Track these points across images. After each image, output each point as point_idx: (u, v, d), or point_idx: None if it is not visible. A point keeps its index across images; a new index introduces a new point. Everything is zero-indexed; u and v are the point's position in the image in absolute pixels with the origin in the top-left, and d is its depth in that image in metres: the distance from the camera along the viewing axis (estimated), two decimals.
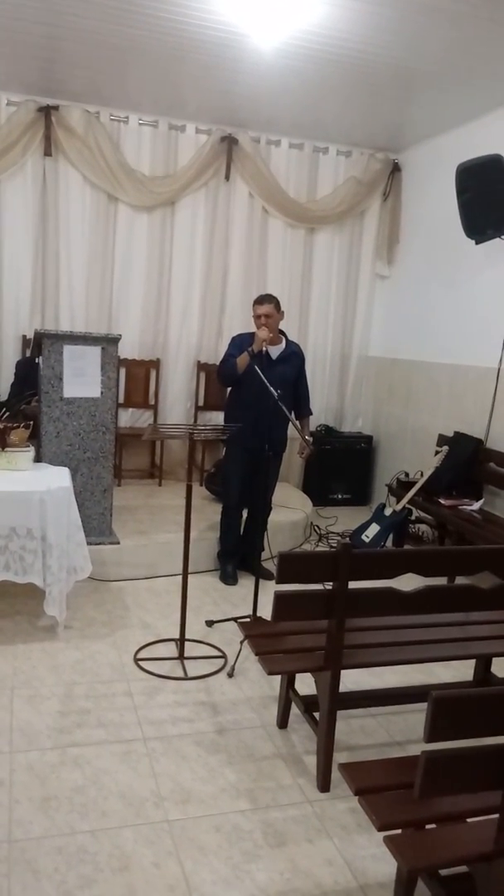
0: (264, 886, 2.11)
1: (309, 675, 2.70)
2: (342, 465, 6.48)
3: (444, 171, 5.02)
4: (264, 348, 4.16)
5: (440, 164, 5.52)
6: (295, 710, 2.92)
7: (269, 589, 2.64)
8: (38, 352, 4.28)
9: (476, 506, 4.83)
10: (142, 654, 3.47)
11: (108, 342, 4.25)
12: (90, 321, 5.86)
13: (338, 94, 5.02)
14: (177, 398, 6.21)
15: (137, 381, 6.02)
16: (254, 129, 5.94)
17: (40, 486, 3.49)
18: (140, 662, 3.39)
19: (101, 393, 4.25)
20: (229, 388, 4.51)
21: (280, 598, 2.42)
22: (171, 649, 3.54)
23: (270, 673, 2.69)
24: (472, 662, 3.21)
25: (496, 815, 1.74)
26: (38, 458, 4.09)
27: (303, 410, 4.53)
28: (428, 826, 1.86)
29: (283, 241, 6.27)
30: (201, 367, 6.17)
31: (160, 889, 2.07)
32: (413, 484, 5.14)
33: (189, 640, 3.56)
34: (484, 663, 3.15)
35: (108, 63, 4.73)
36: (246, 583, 4.41)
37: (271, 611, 2.44)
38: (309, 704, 2.78)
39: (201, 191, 5.98)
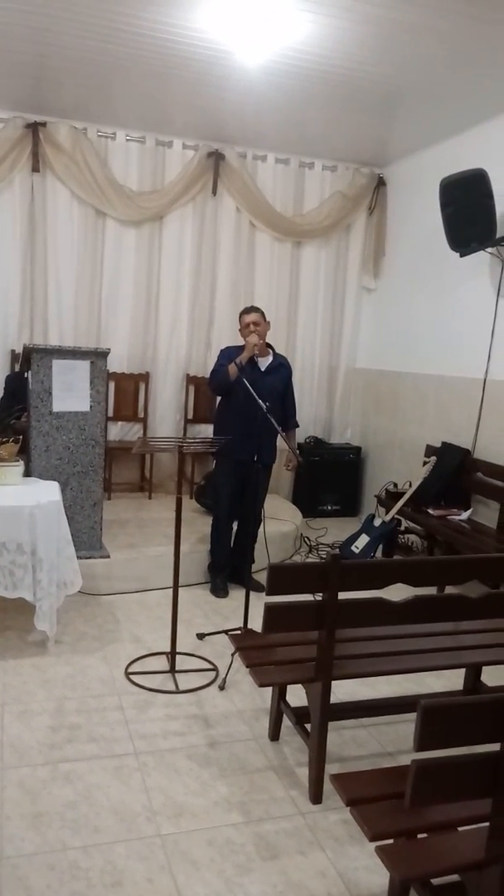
0: None
1: (300, 686, 2.71)
2: (331, 476, 6.51)
3: (429, 185, 5.08)
4: (255, 356, 4.18)
5: (424, 179, 5.59)
6: (286, 721, 2.92)
7: (260, 601, 2.64)
8: (28, 366, 4.29)
9: (464, 515, 4.86)
10: (133, 668, 3.46)
11: (97, 356, 4.26)
12: (79, 335, 5.87)
13: (323, 111, 5.09)
14: (166, 411, 6.23)
15: (127, 394, 6.03)
16: (240, 144, 6.00)
17: (30, 500, 3.49)
18: (131, 676, 3.38)
19: (91, 407, 4.26)
20: (219, 401, 4.54)
21: (270, 610, 2.43)
22: (162, 663, 3.53)
23: (261, 685, 2.69)
24: (463, 671, 3.22)
25: (487, 824, 1.75)
26: (27, 473, 4.09)
27: (289, 423, 4.55)
28: (419, 835, 1.87)
29: (270, 254, 6.33)
30: (190, 380, 6.19)
31: None
32: (402, 494, 5.17)
33: (180, 653, 3.55)
34: (474, 672, 3.17)
35: (95, 80, 4.77)
36: (237, 595, 4.42)
37: (262, 623, 2.45)
38: (300, 716, 2.78)
39: (189, 206, 6.03)
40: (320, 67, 4.31)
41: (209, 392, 4.89)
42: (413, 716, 1.64)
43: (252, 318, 4.28)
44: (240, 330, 4.37)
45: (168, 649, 3.50)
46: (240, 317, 4.38)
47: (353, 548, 5.20)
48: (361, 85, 4.54)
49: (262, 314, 4.34)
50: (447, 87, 4.52)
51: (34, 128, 5.47)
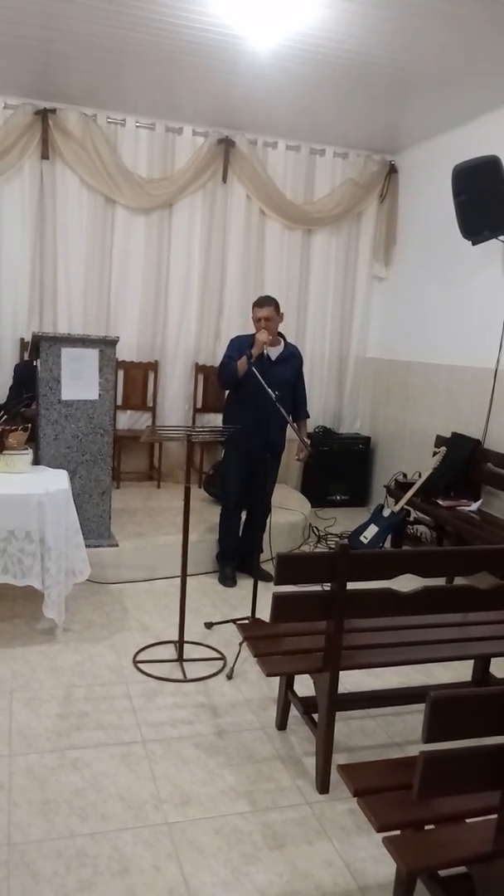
0: (264, 888, 2.11)
1: (308, 676, 2.70)
2: (340, 466, 6.49)
3: (441, 173, 5.03)
4: (264, 351, 4.16)
5: (437, 166, 5.53)
6: (294, 711, 2.92)
7: (269, 590, 2.64)
8: (37, 354, 4.28)
9: (474, 506, 4.84)
10: (141, 657, 3.47)
11: (106, 344, 4.25)
12: (88, 324, 5.86)
13: (334, 97, 5.03)
14: (175, 400, 6.21)
15: (135, 383, 6.02)
16: (251, 131, 5.95)
17: (39, 488, 3.49)
18: (139, 665, 3.39)
19: (99, 395, 4.26)
20: (228, 390, 4.51)
21: (278, 600, 2.42)
22: (170, 651, 3.54)
23: (269, 674, 2.68)
24: (471, 663, 3.21)
25: (495, 816, 1.74)
26: (36, 461, 4.09)
27: (300, 413, 4.53)
28: (427, 827, 1.86)
29: (280, 242, 6.28)
30: (199, 368, 6.17)
31: (160, 892, 2.07)
32: (411, 485, 5.15)
33: (188, 642, 3.56)
34: (482, 663, 3.15)
35: (105, 66, 4.74)
36: (245, 584, 4.41)
37: (270, 612, 2.44)
38: (308, 706, 2.78)
39: (198, 193, 5.99)
40: (332, 53, 4.25)
41: (218, 385, 4.86)
42: (421, 707, 1.63)
43: (264, 314, 4.22)
44: (253, 320, 4.32)
45: (176, 638, 3.51)
46: (253, 308, 4.33)
47: (361, 538, 5.18)
48: (373, 70, 4.48)
49: (276, 306, 4.27)
50: (460, 73, 4.45)
51: (43, 114, 5.44)
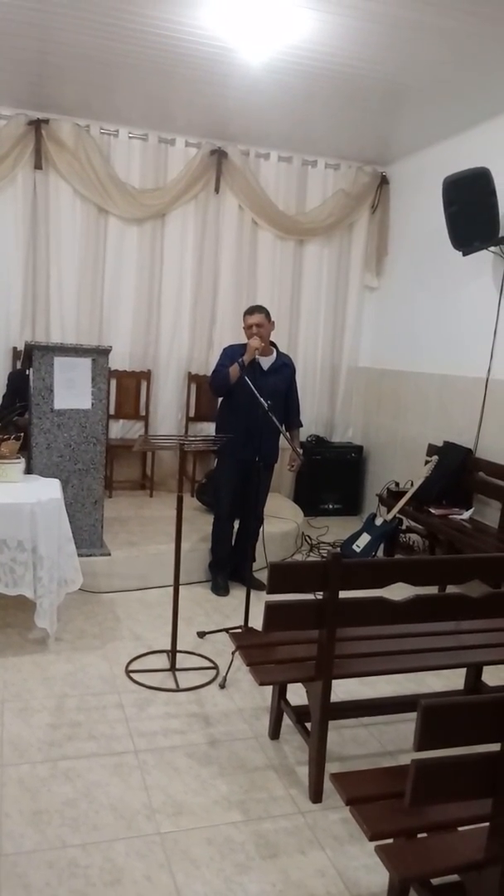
0: None
1: (301, 685, 2.71)
2: (333, 475, 6.50)
3: (432, 184, 5.07)
4: (256, 357, 4.18)
5: (428, 177, 5.58)
6: (287, 720, 2.92)
7: (261, 599, 2.64)
8: (29, 363, 4.29)
9: (466, 515, 4.85)
10: (133, 666, 3.46)
11: (99, 354, 4.26)
12: (81, 333, 5.87)
13: (326, 109, 5.08)
14: (168, 409, 6.22)
15: (128, 392, 6.03)
16: (243, 142, 5.99)
17: (31, 497, 3.49)
18: (131, 674, 3.38)
19: (92, 404, 4.26)
20: (220, 399, 4.53)
21: (271, 609, 2.42)
22: (162, 661, 3.53)
23: (261, 683, 2.68)
24: (464, 671, 3.22)
25: (487, 824, 1.75)
26: (28, 470, 4.08)
27: (293, 422, 4.54)
28: (419, 835, 1.86)
29: (272, 253, 6.32)
30: (192, 378, 6.18)
31: None
32: (403, 494, 5.16)
33: (181, 651, 3.55)
34: (475, 672, 3.16)
35: (98, 77, 4.77)
36: (237, 593, 4.41)
37: (262, 621, 2.44)
38: (300, 715, 2.78)
39: (191, 203, 6.02)
40: (324, 65, 4.30)
41: (210, 392, 4.88)
42: (413, 715, 1.64)
43: (255, 320, 4.24)
44: (244, 329, 4.35)
45: (168, 647, 3.50)
46: (244, 316, 4.35)
47: (354, 547, 5.19)
48: (365, 83, 4.53)
49: (267, 314, 4.29)
50: (451, 86, 4.50)
51: (37, 125, 5.46)
